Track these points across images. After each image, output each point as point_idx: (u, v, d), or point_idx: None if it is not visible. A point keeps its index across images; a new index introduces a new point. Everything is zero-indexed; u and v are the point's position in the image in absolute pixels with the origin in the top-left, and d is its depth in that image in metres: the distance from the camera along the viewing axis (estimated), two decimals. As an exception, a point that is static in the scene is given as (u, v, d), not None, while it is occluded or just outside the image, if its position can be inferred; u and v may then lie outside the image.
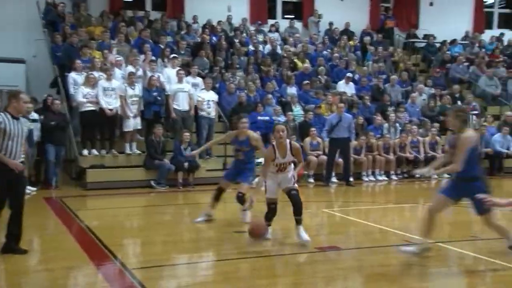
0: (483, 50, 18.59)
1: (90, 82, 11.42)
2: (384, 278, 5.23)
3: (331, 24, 18.05)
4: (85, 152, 11.47)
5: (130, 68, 12.18)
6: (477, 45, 18.79)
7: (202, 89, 12.55)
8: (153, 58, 13.04)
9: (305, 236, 6.20)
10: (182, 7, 17.04)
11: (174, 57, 13.08)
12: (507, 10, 21.11)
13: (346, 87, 14.75)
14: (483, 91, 16.36)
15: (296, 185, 6.35)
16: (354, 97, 14.52)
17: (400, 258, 5.71)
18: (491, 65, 17.30)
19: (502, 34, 19.54)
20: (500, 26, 20.78)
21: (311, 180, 12.21)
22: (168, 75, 12.62)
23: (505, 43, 19.35)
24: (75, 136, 11.78)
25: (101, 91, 11.38)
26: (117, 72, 12.22)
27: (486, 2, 20.56)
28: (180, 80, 12.25)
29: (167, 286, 5.15)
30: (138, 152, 11.83)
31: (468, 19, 20.01)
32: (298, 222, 6.27)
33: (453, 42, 18.50)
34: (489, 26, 20.55)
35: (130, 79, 11.69)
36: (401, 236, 6.85)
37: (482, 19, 20.22)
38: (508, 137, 13.77)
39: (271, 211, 6.41)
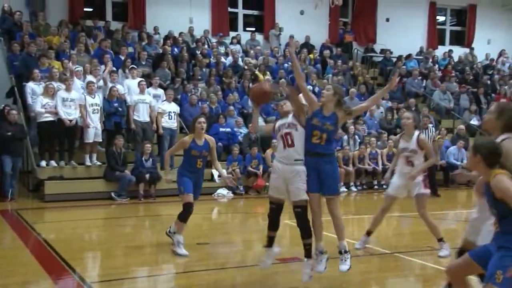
0: (436, 65, 19.17)
1: (49, 92, 11.15)
2: (345, 288, 5.26)
3: (291, 37, 18.23)
4: (43, 163, 11.15)
5: (90, 78, 11.98)
6: (430, 60, 19.36)
7: (164, 100, 12.44)
8: (114, 69, 12.86)
9: (306, 276, 5.17)
10: (143, 18, 16.89)
11: (132, 67, 12.92)
12: (458, 28, 21.86)
13: (306, 100, 14.87)
14: (437, 105, 16.84)
15: (305, 195, 5.12)
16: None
17: (359, 268, 5.76)
18: (444, 80, 17.84)
19: (451, 51, 20.20)
20: (451, 43, 21.48)
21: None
22: (128, 86, 12.46)
23: (456, 59, 20.01)
24: (33, 147, 11.45)
25: (60, 101, 11.12)
26: (77, 82, 11.98)
27: (438, 19, 21.23)
28: (141, 91, 12.11)
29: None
30: (99, 163, 11.59)
31: (422, 35, 20.60)
32: (306, 253, 5.20)
33: (409, 57, 19.00)
34: (442, 43, 21.21)
35: (90, 87, 11.48)
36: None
37: (435, 36, 20.87)
38: (462, 150, 14.18)
39: (270, 213, 5.29)
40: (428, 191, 6.45)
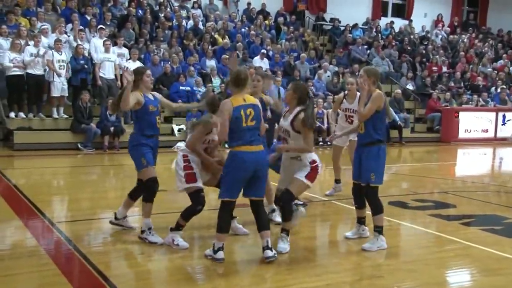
0: (379, 34, 19.41)
1: (16, 48, 10.74)
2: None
3: (249, 4, 18.03)
4: (12, 114, 10.85)
5: (57, 36, 11.57)
6: (374, 30, 19.57)
7: (129, 59, 12.19)
8: (81, 27, 12.45)
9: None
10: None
11: (101, 28, 12.54)
12: (399, 1, 22.07)
13: (261, 62, 14.90)
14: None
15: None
16: (268, 71, 14.70)
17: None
18: (385, 48, 18.11)
19: (392, 22, 20.46)
20: (393, 15, 21.73)
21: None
22: (95, 45, 12.12)
23: (397, 30, 20.31)
24: (2, 99, 11.09)
25: (28, 56, 10.74)
26: (44, 39, 11.55)
27: (382, -8, 21.40)
28: (107, 50, 11.82)
29: (93, 238, 5.09)
30: (66, 116, 11.36)
31: (368, 7, 20.75)
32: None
33: (355, 26, 19.14)
34: (385, 14, 21.44)
35: (57, 45, 11.13)
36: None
37: (379, 8, 21.05)
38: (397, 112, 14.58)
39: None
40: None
